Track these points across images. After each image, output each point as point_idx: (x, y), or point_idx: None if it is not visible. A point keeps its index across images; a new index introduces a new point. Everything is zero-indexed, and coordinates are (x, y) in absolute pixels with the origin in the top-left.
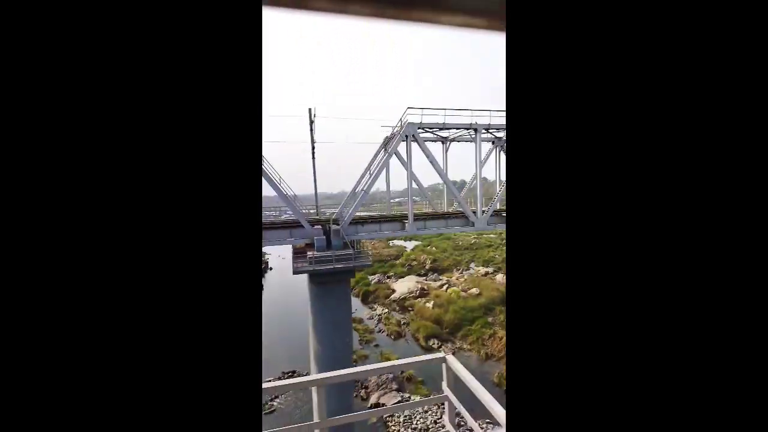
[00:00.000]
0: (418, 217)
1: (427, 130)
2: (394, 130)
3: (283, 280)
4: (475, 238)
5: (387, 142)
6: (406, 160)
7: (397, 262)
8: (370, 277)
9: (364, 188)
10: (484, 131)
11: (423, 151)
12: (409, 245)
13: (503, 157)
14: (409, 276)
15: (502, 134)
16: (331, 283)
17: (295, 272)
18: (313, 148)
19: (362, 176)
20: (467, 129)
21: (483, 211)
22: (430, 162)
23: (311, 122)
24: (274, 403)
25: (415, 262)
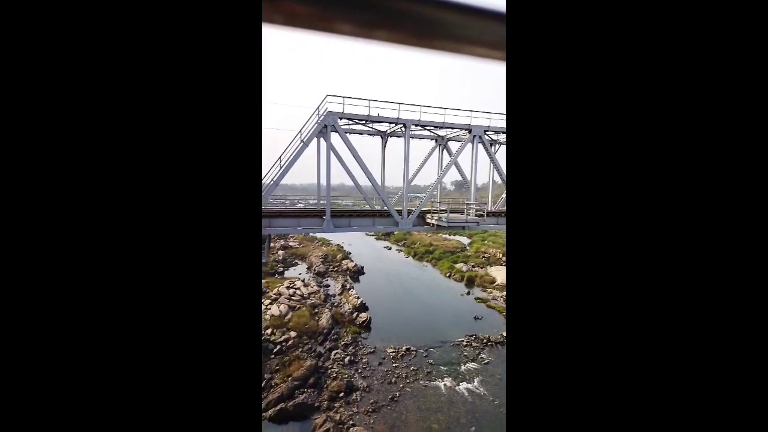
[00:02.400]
0: (337, 214)
1: (357, 121)
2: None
3: (371, 262)
4: None
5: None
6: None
7: (468, 254)
8: (457, 266)
9: (274, 179)
10: (419, 128)
11: (345, 142)
12: (465, 240)
13: (446, 157)
14: (497, 266)
15: (443, 133)
16: None
17: None
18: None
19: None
20: (396, 123)
21: (409, 212)
22: (353, 155)
23: None
24: (484, 356)
25: (487, 254)
